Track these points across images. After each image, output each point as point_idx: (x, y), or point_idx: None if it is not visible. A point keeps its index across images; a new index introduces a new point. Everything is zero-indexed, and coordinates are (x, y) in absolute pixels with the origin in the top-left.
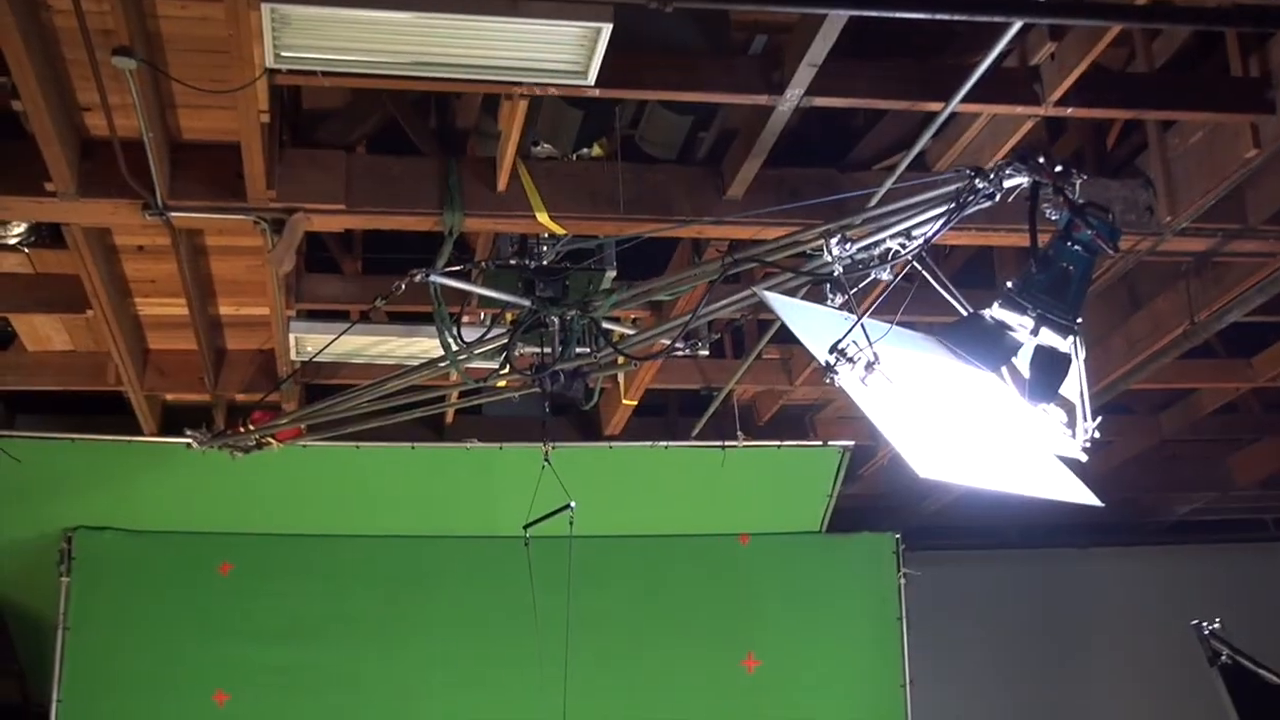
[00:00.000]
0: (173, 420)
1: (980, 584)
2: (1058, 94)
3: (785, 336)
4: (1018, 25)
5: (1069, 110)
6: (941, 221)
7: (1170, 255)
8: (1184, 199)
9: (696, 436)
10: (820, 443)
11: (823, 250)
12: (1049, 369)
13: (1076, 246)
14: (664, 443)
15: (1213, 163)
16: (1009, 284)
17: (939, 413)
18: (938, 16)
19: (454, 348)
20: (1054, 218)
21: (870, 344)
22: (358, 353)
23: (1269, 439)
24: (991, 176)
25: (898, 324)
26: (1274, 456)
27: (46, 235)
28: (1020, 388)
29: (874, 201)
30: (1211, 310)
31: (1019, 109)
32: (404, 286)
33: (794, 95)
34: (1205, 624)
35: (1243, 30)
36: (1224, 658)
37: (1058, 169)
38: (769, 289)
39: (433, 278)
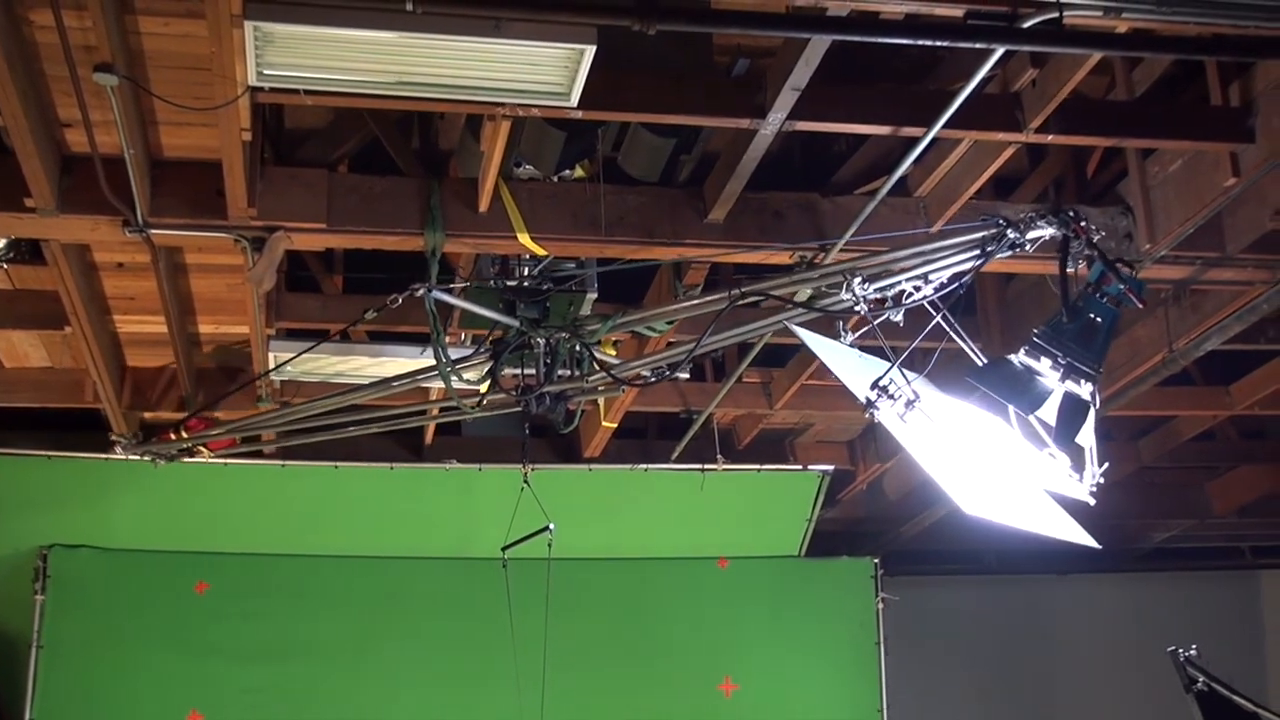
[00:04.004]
0: (149, 437)
1: (958, 609)
2: (1038, 121)
3: (765, 360)
4: (999, 52)
5: (1049, 137)
6: (969, 268)
7: (1149, 282)
8: (1163, 227)
9: (676, 459)
10: (799, 467)
11: (829, 287)
12: (1073, 414)
13: (1105, 299)
14: (643, 465)
15: (1192, 191)
16: (1036, 331)
17: (964, 451)
18: (920, 43)
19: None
20: (1070, 269)
21: (908, 382)
22: (339, 373)
23: (1246, 467)
24: (1021, 227)
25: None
26: (1251, 484)
27: (26, 251)
28: (1024, 430)
29: (855, 226)
30: (1189, 338)
31: (1000, 135)
32: (400, 300)
33: (776, 119)
34: (1182, 650)
35: (1222, 60)
36: (1200, 684)
37: (1082, 223)
38: (774, 322)
39: (435, 293)
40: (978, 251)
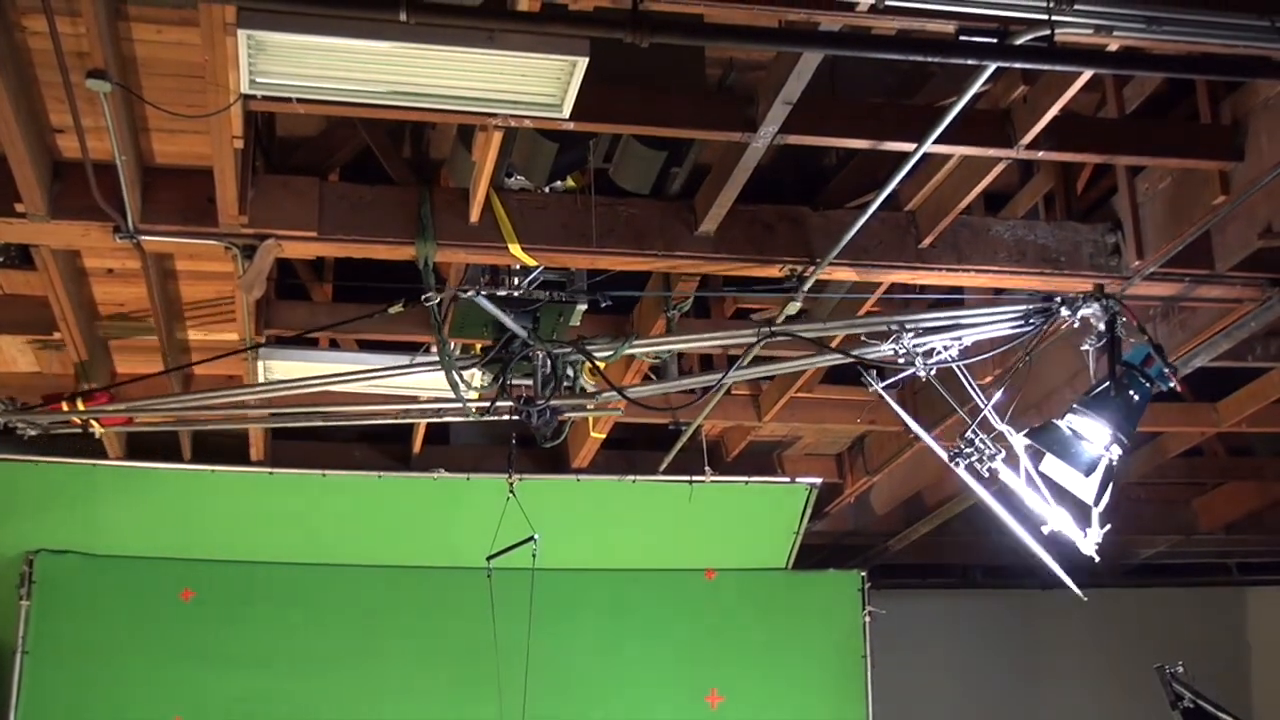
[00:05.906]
0: (138, 444)
1: (945, 623)
2: (1029, 137)
3: None
4: (991, 69)
5: (1040, 153)
6: (1014, 334)
7: (1138, 299)
8: (1152, 244)
9: (664, 471)
10: (787, 480)
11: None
12: (1107, 476)
13: (1144, 379)
14: (631, 477)
15: (1181, 208)
16: (1079, 401)
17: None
18: (912, 58)
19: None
20: (1087, 347)
21: (987, 439)
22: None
23: (1233, 483)
24: (1072, 306)
25: None
26: (1237, 501)
27: (15, 256)
28: (1028, 483)
29: (845, 240)
30: (1178, 355)
31: (991, 151)
32: (437, 299)
33: (768, 132)
34: (1168, 667)
35: (1212, 79)
36: (1186, 701)
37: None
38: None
39: (478, 298)
40: (1021, 320)
